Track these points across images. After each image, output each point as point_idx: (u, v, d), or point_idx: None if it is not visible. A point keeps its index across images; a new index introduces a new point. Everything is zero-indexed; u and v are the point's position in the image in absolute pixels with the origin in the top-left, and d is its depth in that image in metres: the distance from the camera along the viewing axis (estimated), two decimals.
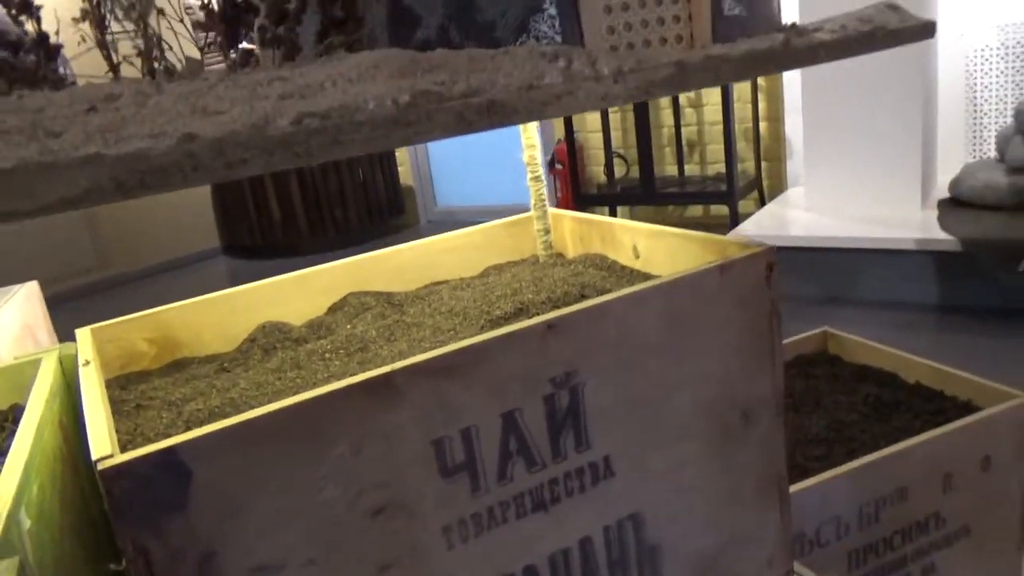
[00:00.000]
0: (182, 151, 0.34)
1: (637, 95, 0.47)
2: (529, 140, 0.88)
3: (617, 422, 0.60)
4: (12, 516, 0.39)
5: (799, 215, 3.04)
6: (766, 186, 3.82)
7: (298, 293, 0.80)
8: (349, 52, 0.49)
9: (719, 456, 0.65)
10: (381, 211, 4.62)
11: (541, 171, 0.89)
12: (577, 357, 0.57)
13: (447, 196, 5.01)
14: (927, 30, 0.72)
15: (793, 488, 0.97)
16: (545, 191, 0.89)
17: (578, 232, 0.90)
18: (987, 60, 3.06)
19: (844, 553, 1.00)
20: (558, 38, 0.55)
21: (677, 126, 3.98)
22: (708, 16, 0.59)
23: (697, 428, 0.63)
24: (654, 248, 0.78)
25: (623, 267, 0.82)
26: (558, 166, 4.21)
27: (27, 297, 0.90)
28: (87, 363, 0.60)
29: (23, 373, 0.62)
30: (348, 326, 0.75)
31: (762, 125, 3.79)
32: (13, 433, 0.58)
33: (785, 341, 1.42)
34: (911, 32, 0.71)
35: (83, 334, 0.68)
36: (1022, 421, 1.09)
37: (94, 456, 0.43)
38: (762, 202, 3.66)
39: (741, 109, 3.80)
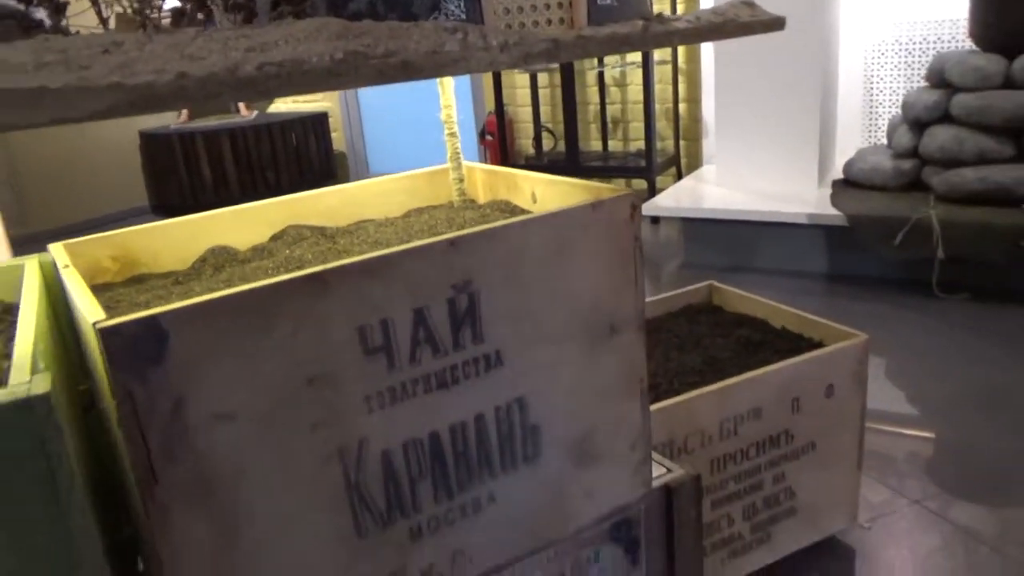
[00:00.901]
0: (177, 84, 0.47)
1: (518, 63, 0.62)
2: (447, 100, 1.02)
3: (506, 323, 0.75)
4: (36, 346, 0.52)
5: (711, 190, 3.26)
6: (684, 164, 4.04)
7: (243, 223, 0.93)
8: (296, 19, 0.63)
9: (590, 357, 0.81)
10: (314, 175, 4.68)
11: (456, 128, 1.03)
12: (474, 269, 0.72)
13: (380, 163, 5.09)
14: (777, 24, 0.89)
15: (666, 403, 1.15)
16: (459, 145, 1.04)
17: (488, 182, 1.05)
18: (883, 54, 3.32)
19: (707, 459, 1.18)
20: (463, 16, 0.69)
21: (602, 104, 4.16)
22: (584, 5, 0.74)
23: (572, 333, 0.79)
24: (548, 194, 0.94)
25: (524, 210, 0.97)
26: (488, 137, 4.34)
27: None
28: (67, 266, 0.72)
29: (11, 275, 0.74)
30: (287, 251, 0.89)
31: (681, 106, 3.99)
32: (12, 318, 0.70)
33: (675, 292, 1.60)
34: (761, 25, 0.88)
35: (56, 248, 0.80)
36: (861, 356, 1.29)
37: (91, 320, 0.56)
38: (679, 178, 3.88)
39: (662, 90, 4.00)
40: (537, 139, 4.27)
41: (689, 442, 1.16)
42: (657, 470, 0.95)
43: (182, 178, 4.43)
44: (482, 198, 1.07)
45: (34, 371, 0.49)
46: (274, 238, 0.94)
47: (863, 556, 1.42)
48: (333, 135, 4.99)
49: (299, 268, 0.83)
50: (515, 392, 0.77)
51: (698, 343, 1.42)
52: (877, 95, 3.38)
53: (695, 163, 4.03)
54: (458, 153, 1.04)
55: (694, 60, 3.92)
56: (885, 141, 3.05)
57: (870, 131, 3.44)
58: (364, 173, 5.10)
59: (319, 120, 4.78)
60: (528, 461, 0.80)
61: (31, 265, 0.73)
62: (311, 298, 0.64)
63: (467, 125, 4.56)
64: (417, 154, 4.83)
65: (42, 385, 0.46)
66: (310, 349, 0.64)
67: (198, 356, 0.59)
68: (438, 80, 1.03)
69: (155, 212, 4.68)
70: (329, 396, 0.66)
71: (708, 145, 3.94)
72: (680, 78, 3.93)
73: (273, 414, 0.64)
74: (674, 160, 3.99)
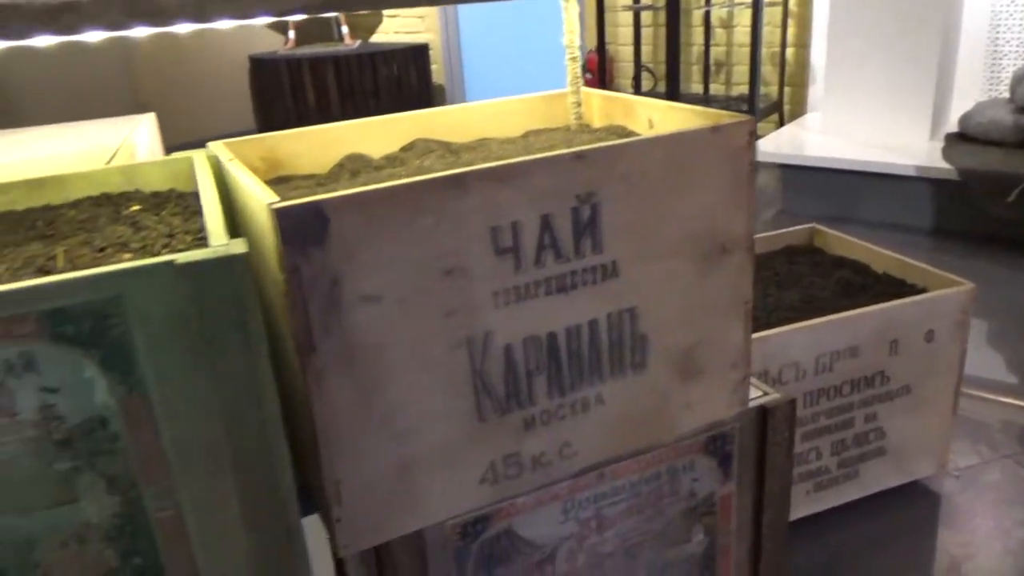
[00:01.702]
0: None
1: None
2: (570, 26, 1.05)
3: (624, 236, 0.79)
4: (224, 219, 0.60)
5: (814, 137, 3.18)
6: (787, 111, 3.94)
7: (375, 134, 1.00)
8: None
9: (700, 274, 0.85)
10: (412, 106, 4.75)
11: (577, 52, 1.06)
12: (597, 182, 0.76)
13: (476, 97, 5.13)
14: None
15: (763, 333, 1.18)
16: (579, 70, 1.07)
17: (604, 107, 1.09)
18: (1012, 2, 3.13)
19: (800, 393, 1.21)
20: None
21: (707, 45, 4.07)
22: None
23: (685, 250, 0.83)
24: (666, 119, 0.97)
25: (638, 135, 1.00)
26: (588, 75, 4.31)
27: (150, 123, 1.10)
28: (232, 159, 0.80)
29: (179, 166, 0.82)
30: (417, 161, 0.95)
31: (789, 51, 3.88)
32: (185, 203, 0.78)
33: (777, 232, 1.61)
34: None
35: (217, 145, 0.88)
36: (965, 304, 1.29)
37: (267, 202, 0.63)
38: (781, 125, 3.78)
39: (770, 33, 3.88)
40: (636, 79, 4.22)
41: (784, 374, 1.19)
42: (753, 392, 0.99)
43: (287, 103, 4.58)
44: (597, 123, 1.10)
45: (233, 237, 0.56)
46: (404, 149, 1.00)
47: (949, 504, 1.43)
48: (432, 67, 5.04)
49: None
50: (627, 302, 0.82)
51: (797, 281, 1.43)
52: (1003, 45, 3.20)
53: (798, 110, 3.92)
54: (578, 78, 1.07)
55: (805, 3, 3.78)
56: (1008, 94, 2.91)
57: (992, 84, 3.27)
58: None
59: (420, 52, 4.83)
60: (635, 369, 0.85)
61: (200, 158, 0.81)
62: (452, 197, 0.70)
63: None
64: (512, 89, 4.84)
65: (240, 247, 0.54)
66: (448, 243, 0.71)
67: (353, 241, 0.66)
68: (563, 6, 1.06)
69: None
70: (462, 288, 0.72)
71: (813, 92, 3.82)
72: (790, 21, 3.81)
73: (413, 299, 0.70)
74: (777, 106, 3.89)
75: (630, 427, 0.87)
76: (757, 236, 1.62)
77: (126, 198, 0.78)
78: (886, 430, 1.31)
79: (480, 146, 1.01)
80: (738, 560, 1.02)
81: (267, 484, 0.59)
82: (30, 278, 0.60)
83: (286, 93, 4.56)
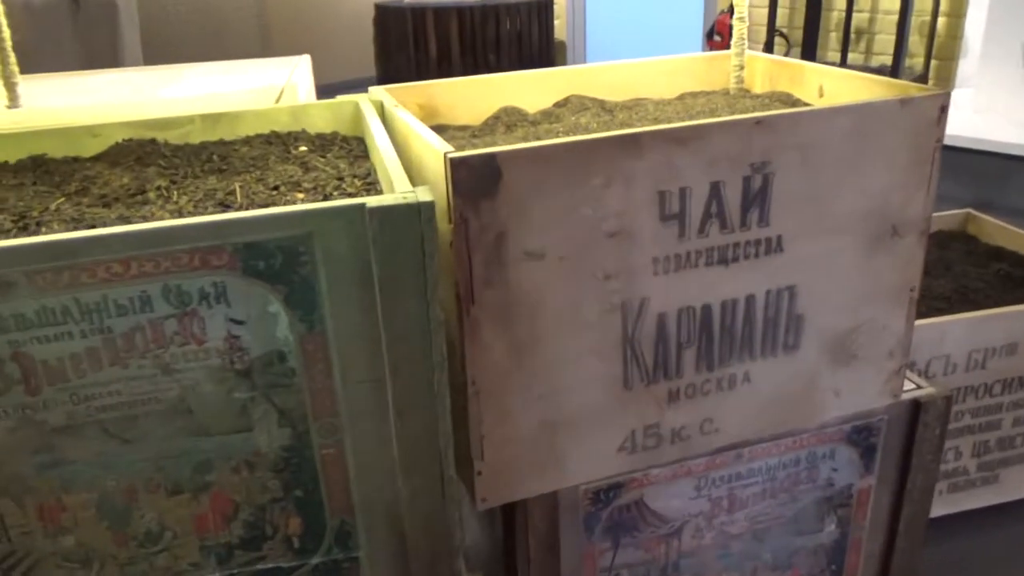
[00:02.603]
0: None
1: None
2: None
3: (793, 210, 0.75)
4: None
5: (963, 115, 2.97)
6: (932, 85, 3.69)
7: (529, 88, 0.98)
8: None
9: (867, 255, 0.80)
10: (533, 62, 4.70)
11: (745, 12, 1.01)
12: (774, 150, 0.72)
13: (597, 55, 5.03)
14: None
15: (916, 323, 1.12)
16: (746, 31, 1.02)
17: (769, 72, 1.03)
18: None
19: (947, 388, 1.14)
20: None
21: (848, 11, 3.85)
22: None
23: (854, 229, 0.78)
24: (839, 88, 0.91)
25: (806, 103, 0.95)
26: (716, 38, 4.16)
27: (307, 65, 1.11)
28: (398, 106, 0.80)
29: (342, 109, 0.83)
30: (572, 118, 0.93)
31: (940, 20, 3.62)
32: (348, 146, 0.79)
33: None
34: None
35: (379, 91, 0.88)
36: None
37: (443, 151, 0.63)
38: None
39: (921, 1, 3.63)
40: (768, 44, 4.04)
41: (932, 367, 1.12)
42: (907, 384, 0.93)
43: (409, 53, 4.61)
44: (758, 88, 1.05)
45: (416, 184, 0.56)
46: (558, 104, 0.98)
47: None
48: (555, 23, 4.96)
49: (585, 134, 0.87)
50: (788, 279, 0.78)
51: (948, 269, 1.34)
52: None
53: (945, 86, 3.67)
54: (743, 39, 1.02)
55: None
56: None
57: None
58: (580, 63, 5.06)
59: (544, 7, 4.76)
60: (787, 349, 0.81)
61: (366, 103, 0.81)
62: (624, 157, 0.67)
63: (695, 24, 4.39)
64: (634, 49, 4.72)
65: (426, 194, 0.53)
66: (616, 204, 0.68)
67: (524, 195, 0.65)
68: None
69: (380, 83, 4.91)
70: (624, 252, 0.70)
71: (963, 66, 3.57)
72: None
73: (574, 259, 0.69)
74: (922, 80, 3.65)
75: (774, 409, 0.84)
76: None
77: (293, 138, 0.79)
78: None
79: (636, 106, 0.98)
80: (869, 554, 0.98)
81: (426, 431, 0.59)
82: (212, 211, 0.62)
83: (408, 42, 4.59)
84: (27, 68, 1.04)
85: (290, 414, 0.56)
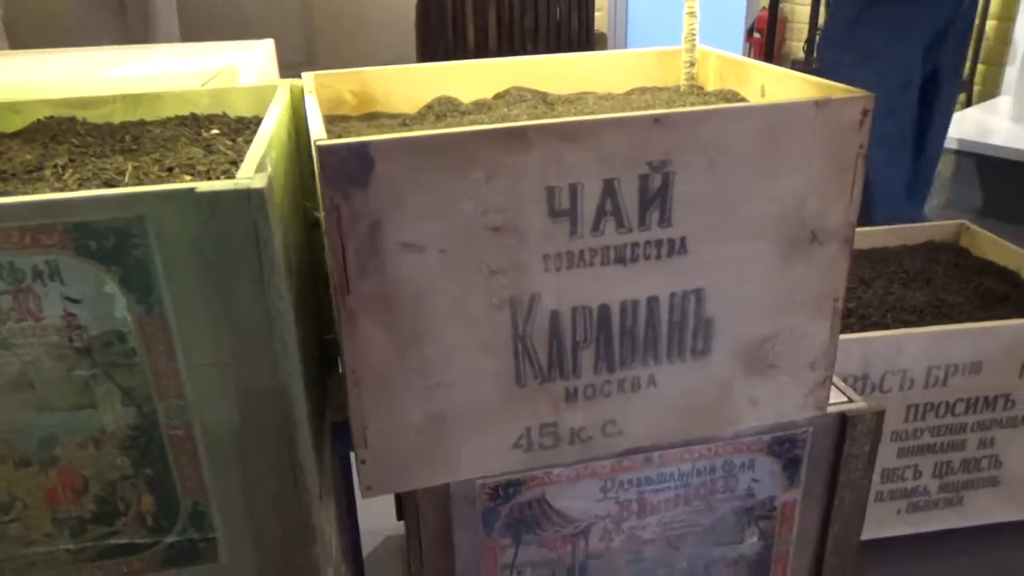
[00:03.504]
0: None
1: None
2: None
3: (698, 211, 0.73)
4: (267, 152, 0.60)
5: (1005, 124, 2.86)
6: (976, 91, 3.56)
7: (471, 78, 0.97)
8: None
9: (782, 262, 0.78)
10: (571, 52, 4.67)
11: (696, 7, 0.99)
12: (674, 150, 0.71)
13: (638, 48, 4.97)
14: None
15: (870, 334, 1.08)
16: (697, 27, 0.99)
17: (720, 69, 1.01)
18: None
19: (904, 404, 1.11)
20: None
21: None
22: None
23: (767, 233, 0.76)
24: (778, 89, 0.88)
25: (748, 101, 0.92)
26: (756, 35, 4.07)
27: (266, 49, 1.13)
28: (310, 92, 0.80)
29: (265, 93, 0.83)
30: (506, 109, 0.92)
31: (989, 23, 3.48)
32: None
33: (917, 225, 1.46)
34: None
35: (307, 76, 0.88)
36: None
37: (314, 139, 0.63)
38: (967, 105, 3.43)
39: None
40: (810, 42, 3.94)
41: (887, 381, 1.09)
42: (837, 396, 0.90)
43: (448, 40, 4.61)
44: (711, 85, 1.02)
45: (259, 170, 0.56)
46: (497, 96, 0.97)
47: None
48: (596, 14, 4.91)
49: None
50: (694, 283, 0.76)
51: (928, 283, 1.30)
52: None
53: (991, 91, 3.53)
54: (693, 35, 0.99)
55: None
56: None
57: None
58: None
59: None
60: (696, 355, 0.80)
61: (283, 87, 0.81)
62: (508, 151, 0.66)
63: (736, 20, 4.30)
64: (677, 43, 4.65)
65: (260, 181, 0.53)
66: (500, 200, 0.68)
67: (397, 186, 0.64)
68: None
69: None
70: (511, 248, 0.70)
71: (1010, 73, 3.42)
72: None
73: (457, 253, 0.68)
74: (966, 86, 3.52)
75: (684, 414, 0.82)
76: (895, 228, 1.48)
77: (209, 121, 0.80)
78: (1003, 459, 1.18)
79: (578, 100, 0.96)
80: (796, 569, 0.96)
81: (272, 419, 0.60)
82: (94, 189, 0.63)
83: (447, 30, 4.59)
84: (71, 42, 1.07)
85: (134, 393, 0.57)
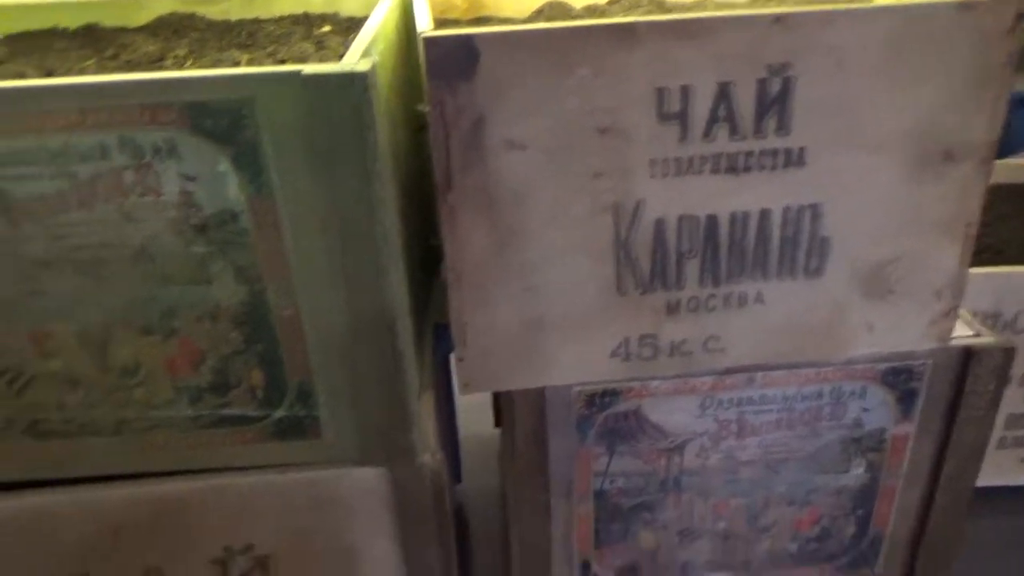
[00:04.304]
0: None
1: None
2: None
3: (820, 120, 0.69)
4: (373, 43, 0.60)
5: None
6: None
7: None
8: None
9: (910, 180, 0.72)
10: None
11: None
12: (797, 52, 0.66)
13: None
14: None
15: (1004, 269, 1.00)
16: None
17: None
18: None
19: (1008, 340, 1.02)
20: None
21: None
22: None
23: (895, 148, 0.71)
24: None
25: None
26: None
27: None
28: None
29: None
30: (622, 15, 0.88)
31: None
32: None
33: None
34: None
35: None
36: None
37: (419, 31, 0.62)
38: None
39: None
40: None
41: (1020, 320, 1.01)
42: (962, 330, 0.85)
43: None
44: None
45: (364, 56, 0.56)
46: (611, 2, 0.94)
47: None
48: None
49: None
50: (811, 197, 0.73)
51: None
52: None
53: None
54: None
55: None
56: None
57: None
58: None
59: None
60: (809, 274, 0.76)
61: None
62: (616, 48, 0.64)
63: None
64: None
65: (364, 65, 0.54)
66: (606, 99, 0.66)
67: (502, 81, 0.64)
68: None
69: None
70: (617, 150, 0.68)
71: None
72: None
73: (561, 153, 0.67)
74: None
75: (793, 335, 0.79)
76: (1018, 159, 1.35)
77: (322, 19, 0.82)
78: None
79: (696, 6, 0.92)
80: (903, 506, 0.92)
81: (374, 305, 0.61)
82: None
83: None
84: None
85: (246, 272, 0.60)
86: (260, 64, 0.69)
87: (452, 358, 0.78)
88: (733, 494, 0.89)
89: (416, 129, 0.87)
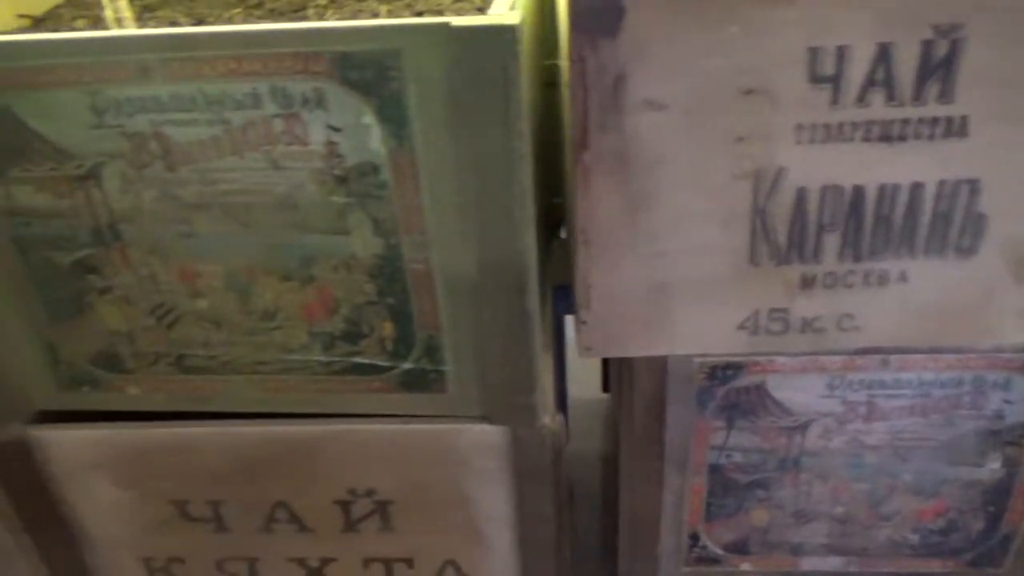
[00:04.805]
0: None
1: None
2: None
3: (988, 88, 0.64)
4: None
5: None
6: None
7: None
8: None
9: None
10: None
11: None
12: (968, 12, 0.61)
13: None
14: None
15: None
16: None
17: None
18: None
19: None
20: None
21: None
22: None
23: None
24: None
25: None
26: None
27: None
28: None
29: None
30: None
31: None
32: None
33: None
34: None
35: None
36: None
37: None
38: None
39: None
40: None
41: None
42: None
43: None
44: None
45: (511, 9, 0.56)
46: None
47: None
48: None
49: None
50: (970, 171, 0.68)
51: None
52: None
53: None
54: None
55: None
56: None
57: None
58: None
59: None
60: (960, 253, 0.71)
61: None
62: (770, 5, 0.61)
63: None
64: None
65: (513, 18, 0.53)
66: (754, 58, 0.63)
67: (646, 37, 0.62)
68: None
69: None
70: (761, 113, 0.65)
71: None
72: None
73: (702, 114, 0.65)
74: None
75: (935, 318, 0.75)
76: None
77: None
78: None
79: None
80: None
81: (505, 263, 0.61)
82: None
83: None
84: None
85: (382, 225, 0.61)
86: (399, 15, 0.69)
87: (567, 320, 0.77)
88: (855, 479, 0.85)
89: (544, 84, 0.86)
